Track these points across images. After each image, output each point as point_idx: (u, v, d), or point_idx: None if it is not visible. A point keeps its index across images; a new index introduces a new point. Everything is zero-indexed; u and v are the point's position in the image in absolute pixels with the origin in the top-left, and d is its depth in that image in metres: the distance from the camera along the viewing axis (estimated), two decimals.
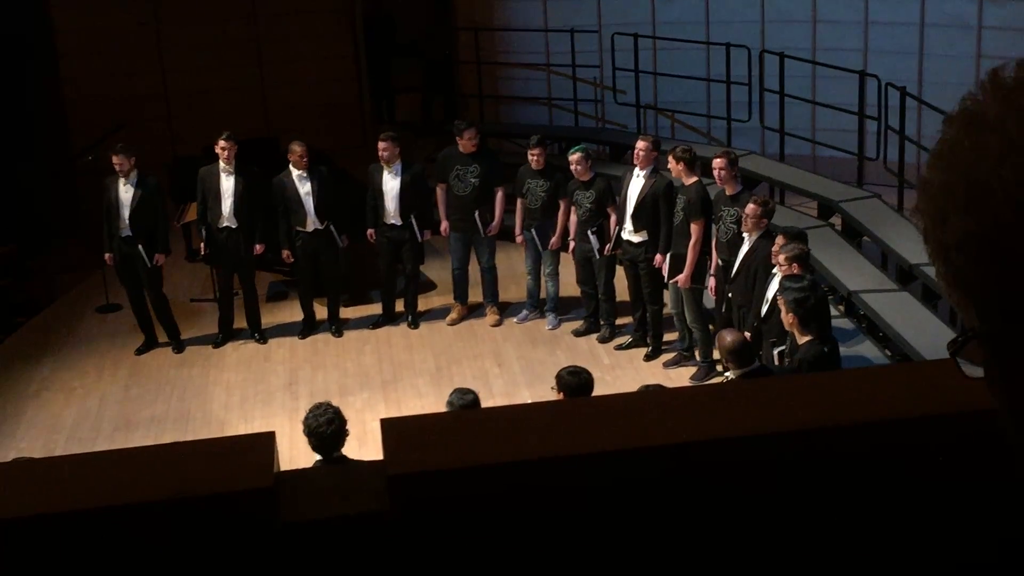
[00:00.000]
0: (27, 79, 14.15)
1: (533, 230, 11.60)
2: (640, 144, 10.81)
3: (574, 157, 11.12)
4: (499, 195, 11.74)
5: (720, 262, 10.17)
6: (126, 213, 11.21)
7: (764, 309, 9.13)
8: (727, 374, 8.04)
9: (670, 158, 10.45)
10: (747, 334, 8.84)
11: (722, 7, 15.04)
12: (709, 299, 10.61)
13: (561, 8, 15.66)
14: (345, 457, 6.88)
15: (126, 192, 11.21)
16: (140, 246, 11.24)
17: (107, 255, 11.47)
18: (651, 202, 10.67)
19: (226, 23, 15.54)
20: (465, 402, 7.24)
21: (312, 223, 11.50)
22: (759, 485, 1.86)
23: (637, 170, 10.79)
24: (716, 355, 10.61)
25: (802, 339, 7.96)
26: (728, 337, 7.93)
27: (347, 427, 6.92)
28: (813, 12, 14.72)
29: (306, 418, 6.84)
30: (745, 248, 9.65)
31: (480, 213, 11.67)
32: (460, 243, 11.87)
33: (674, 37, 14.85)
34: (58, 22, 14.86)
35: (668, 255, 10.59)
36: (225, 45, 15.53)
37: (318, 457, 6.84)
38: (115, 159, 11.14)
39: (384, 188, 11.59)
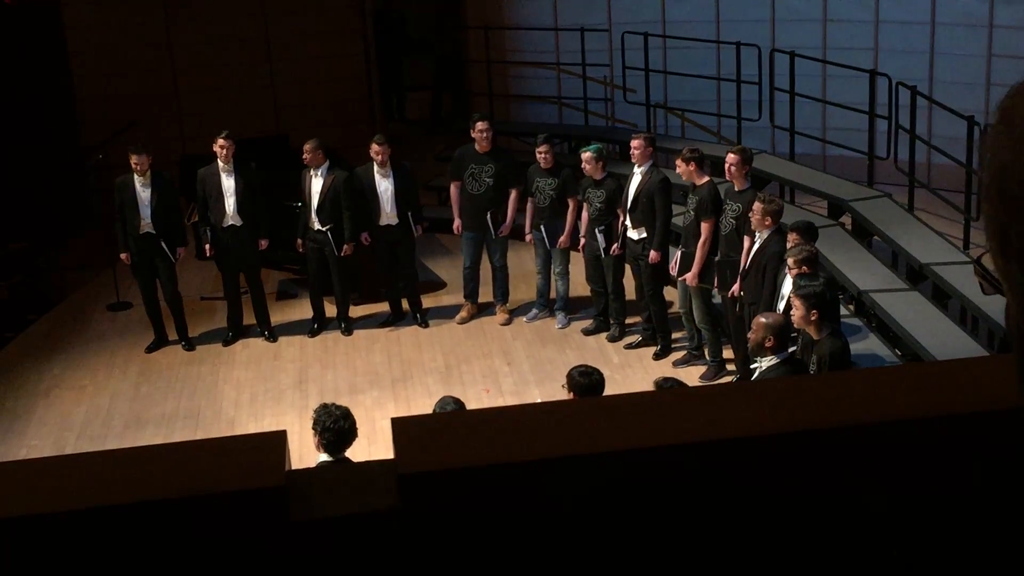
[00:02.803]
0: (38, 77, 14.17)
1: (542, 228, 11.61)
2: (634, 143, 10.88)
3: (584, 156, 11.15)
4: (513, 195, 11.74)
5: (719, 256, 10.25)
6: (147, 212, 11.24)
7: (780, 307, 9.13)
8: (759, 362, 7.94)
9: (679, 161, 10.48)
10: None
11: (732, 6, 15.03)
12: (718, 298, 10.62)
13: (571, 7, 15.66)
14: (347, 459, 6.87)
15: (144, 190, 11.24)
16: (163, 242, 11.29)
17: (123, 255, 11.49)
18: (646, 198, 10.71)
19: (236, 21, 15.55)
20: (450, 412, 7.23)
21: (315, 222, 11.53)
22: (775, 485, 1.86)
23: (636, 167, 10.85)
24: (725, 354, 10.63)
25: (819, 335, 8.01)
26: (774, 316, 7.98)
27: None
28: (824, 11, 14.70)
29: (319, 418, 6.80)
30: (756, 245, 9.67)
31: (493, 213, 11.67)
32: (473, 242, 11.87)
33: (684, 36, 14.85)
34: (69, 20, 14.88)
35: (678, 253, 10.58)
36: (235, 43, 15.54)
37: (322, 458, 6.81)
38: (134, 158, 11.17)
39: (379, 190, 11.58)
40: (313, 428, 6.83)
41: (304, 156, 11.46)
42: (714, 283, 10.44)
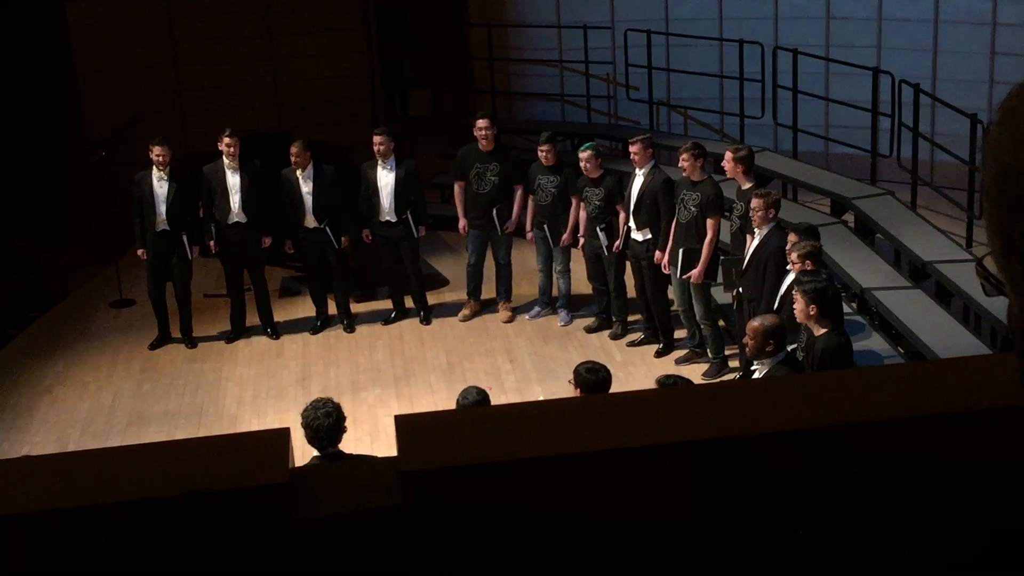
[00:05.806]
0: (41, 73, 14.17)
1: (545, 226, 11.61)
2: (632, 148, 10.85)
3: (584, 155, 11.15)
4: (519, 192, 11.76)
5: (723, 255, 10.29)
6: (163, 208, 11.24)
7: (775, 304, 9.12)
8: (759, 364, 7.90)
9: (684, 155, 10.47)
10: None
11: (735, 3, 15.02)
12: (719, 295, 10.61)
13: (574, 4, 15.66)
14: (342, 452, 6.84)
15: (161, 187, 11.24)
16: (184, 236, 11.28)
17: (140, 251, 11.49)
18: (650, 199, 10.72)
19: (239, 18, 15.55)
20: (472, 402, 7.21)
21: (311, 221, 11.53)
22: (777, 483, 1.86)
23: (637, 169, 10.85)
24: (728, 351, 10.63)
25: (819, 331, 8.01)
26: (769, 319, 7.92)
27: (345, 423, 6.86)
28: (827, 8, 14.69)
29: (304, 410, 6.79)
30: (756, 241, 9.67)
31: (499, 210, 11.68)
32: (478, 240, 11.88)
33: (687, 33, 14.84)
34: (72, 16, 14.88)
35: (680, 250, 10.58)
36: (238, 40, 15.54)
37: (314, 453, 6.78)
38: (156, 150, 11.17)
39: (379, 185, 11.58)
40: (305, 429, 6.72)
41: (293, 158, 11.45)
42: (717, 278, 10.45)
